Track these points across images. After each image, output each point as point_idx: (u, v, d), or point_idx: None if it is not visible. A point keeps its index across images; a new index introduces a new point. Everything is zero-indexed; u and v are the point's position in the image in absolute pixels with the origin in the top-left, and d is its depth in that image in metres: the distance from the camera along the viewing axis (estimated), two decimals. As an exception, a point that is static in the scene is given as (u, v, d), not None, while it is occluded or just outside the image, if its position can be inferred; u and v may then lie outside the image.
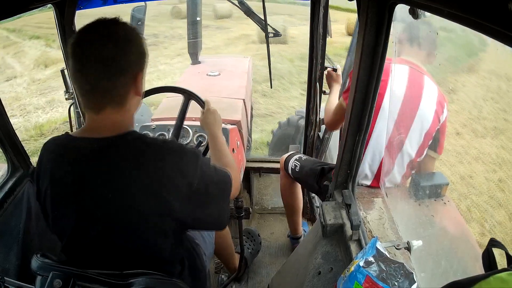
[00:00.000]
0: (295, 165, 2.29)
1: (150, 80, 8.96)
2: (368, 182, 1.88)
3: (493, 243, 0.83)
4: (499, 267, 0.81)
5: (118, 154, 1.05)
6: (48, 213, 1.14)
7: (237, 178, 1.43)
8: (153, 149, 1.07)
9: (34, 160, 1.51)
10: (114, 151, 1.05)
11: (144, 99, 2.00)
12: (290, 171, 2.33)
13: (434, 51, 1.77)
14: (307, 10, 2.25)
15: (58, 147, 1.11)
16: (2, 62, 11.23)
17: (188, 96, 2.00)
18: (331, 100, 2.24)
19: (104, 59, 1.00)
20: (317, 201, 2.91)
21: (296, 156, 2.35)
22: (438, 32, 1.62)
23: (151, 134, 2.36)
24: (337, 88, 2.31)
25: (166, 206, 1.06)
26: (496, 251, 0.84)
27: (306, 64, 2.42)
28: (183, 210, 1.09)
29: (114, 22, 1.05)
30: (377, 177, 1.84)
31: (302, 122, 3.70)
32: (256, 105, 7.42)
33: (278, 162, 2.59)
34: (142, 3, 2.77)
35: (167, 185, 1.05)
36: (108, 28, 1.03)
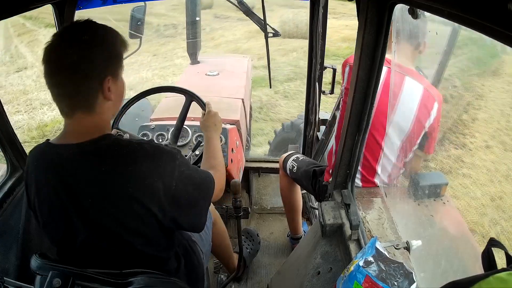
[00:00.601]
0: (292, 165, 2.30)
1: (164, 75, 8.77)
2: (359, 183, 1.87)
3: (493, 243, 0.83)
4: (499, 267, 0.81)
5: (93, 160, 1.05)
6: (38, 220, 1.16)
7: (221, 180, 1.42)
8: (127, 153, 1.07)
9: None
10: (89, 157, 1.06)
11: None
12: (288, 172, 2.34)
13: (423, 40, 1.70)
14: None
15: (40, 155, 1.12)
16: (15, 52, 10.99)
17: (190, 97, 2.00)
18: None
19: (68, 65, 1.00)
20: (314, 202, 2.92)
21: (294, 157, 2.35)
22: (460, 30, 1.57)
23: (150, 134, 2.36)
24: None
25: (145, 210, 1.07)
26: (496, 251, 0.84)
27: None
28: (163, 213, 1.10)
29: (82, 26, 1.05)
30: (365, 177, 1.83)
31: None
32: (277, 108, 7.15)
33: (277, 162, 2.59)
34: (142, 3, 2.77)
35: (143, 189, 1.05)
36: (73, 33, 1.04)
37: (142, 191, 1.05)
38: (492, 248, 0.84)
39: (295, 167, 2.27)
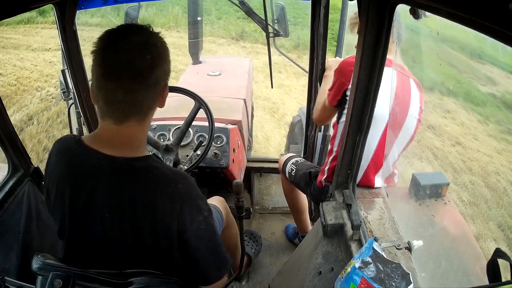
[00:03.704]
0: (291, 168, 2.30)
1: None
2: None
3: (498, 253, 0.82)
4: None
5: (129, 179, 1.04)
6: (52, 209, 1.15)
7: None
8: (159, 183, 1.04)
9: (34, 160, 1.51)
10: (126, 175, 1.04)
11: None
12: (287, 175, 2.34)
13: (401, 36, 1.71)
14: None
15: (68, 152, 1.09)
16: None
17: (199, 104, 2.00)
18: (322, 90, 2.11)
19: (141, 70, 0.97)
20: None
21: (293, 160, 2.35)
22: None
23: (151, 134, 2.36)
24: (332, 78, 2.08)
25: (156, 242, 1.06)
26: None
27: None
28: (169, 252, 1.09)
29: (149, 31, 1.02)
30: (364, 177, 1.83)
31: (298, 121, 3.70)
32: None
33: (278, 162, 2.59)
34: (136, 3, 2.79)
35: (159, 225, 1.04)
36: (146, 37, 1.00)
37: (159, 226, 1.04)
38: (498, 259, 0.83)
39: (294, 170, 2.27)
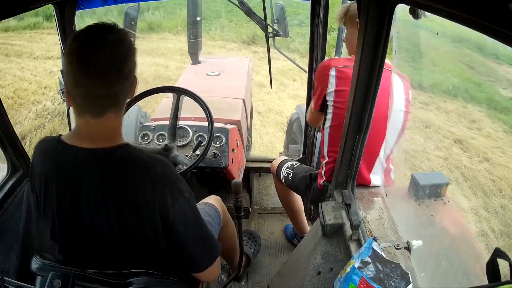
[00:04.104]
0: (287, 173, 2.28)
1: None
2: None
3: (498, 253, 0.82)
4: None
5: (109, 170, 1.05)
6: (43, 213, 1.16)
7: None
8: (138, 169, 1.07)
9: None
10: (107, 166, 1.06)
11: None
12: (282, 179, 2.32)
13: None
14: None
15: (51, 152, 1.11)
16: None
17: (179, 92, 2.01)
18: None
19: (108, 65, 1.00)
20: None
21: (288, 164, 2.33)
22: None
23: (151, 134, 2.36)
24: None
25: (142, 230, 1.08)
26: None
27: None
28: (155, 238, 1.10)
29: (109, 27, 1.05)
30: (359, 175, 1.83)
31: (295, 118, 3.70)
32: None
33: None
34: (136, 3, 2.79)
35: (143, 212, 1.06)
36: (104, 33, 1.02)
37: (143, 212, 1.06)
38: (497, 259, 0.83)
39: (291, 174, 2.26)
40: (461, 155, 5.05)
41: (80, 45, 1.00)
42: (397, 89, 1.76)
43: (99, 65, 0.99)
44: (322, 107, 1.86)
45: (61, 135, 1.12)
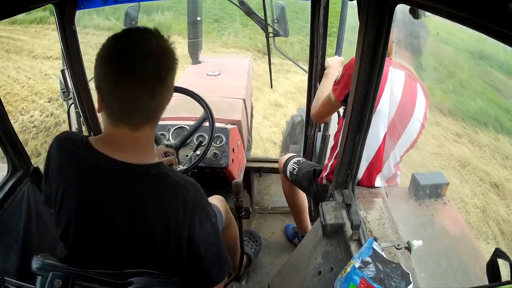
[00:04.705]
0: (293, 168, 2.29)
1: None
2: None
3: (498, 253, 0.82)
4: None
5: (142, 185, 1.04)
6: (56, 210, 1.14)
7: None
8: (172, 190, 1.05)
9: (34, 160, 1.50)
10: (140, 181, 1.04)
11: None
12: (288, 174, 2.33)
13: (421, 50, 1.73)
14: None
15: (77, 156, 1.07)
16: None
17: (206, 115, 2.03)
18: (323, 87, 2.11)
19: (161, 75, 0.97)
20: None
21: (295, 159, 2.34)
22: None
23: None
24: (333, 75, 2.10)
25: (167, 245, 1.07)
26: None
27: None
28: (178, 255, 1.10)
29: (162, 36, 1.01)
30: (365, 177, 1.83)
31: (299, 121, 3.70)
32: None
33: (278, 162, 2.59)
34: (136, 3, 2.79)
35: (171, 231, 1.05)
36: (160, 42, 0.99)
37: (171, 232, 1.05)
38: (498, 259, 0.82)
39: (296, 169, 2.26)
40: (499, 204, 4.67)
41: (122, 50, 0.96)
42: (420, 101, 1.75)
43: (143, 75, 0.95)
44: (347, 98, 1.84)
45: (87, 136, 1.09)
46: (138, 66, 0.94)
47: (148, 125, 1.03)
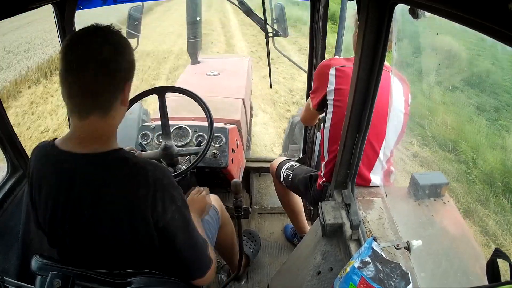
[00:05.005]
0: (287, 174, 2.28)
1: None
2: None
3: (498, 253, 0.82)
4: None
5: (103, 174, 1.05)
6: (38, 219, 1.17)
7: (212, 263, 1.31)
8: (131, 172, 1.06)
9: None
10: (101, 170, 1.06)
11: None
12: (282, 180, 2.33)
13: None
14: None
15: (45, 158, 1.11)
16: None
17: (163, 92, 2.03)
18: None
19: (99, 62, 0.99)
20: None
21: (288, 165, 2.33)
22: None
23: (150, 134, 2.36)
24: None
25: (135, 233, 1.08)
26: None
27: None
28: (150, 241, 1.10)
29: (111, 29, 1.05)
30: (358, 175, 1.83)
31: (298, 121, 3.70)
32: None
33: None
34: (140, 3, 2.78)
35: (136, 215, 1.05)
36: (105, 33, 1.03)
37: (135, 217, 1.06)
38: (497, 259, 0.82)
39: (291, 176, 2.26)
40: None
41: (69, 43, 1.01)
42: (396, 91, 1.76)
43: (81, 62, 0.98)
44: (321, 107, 1.87)
45: (55, 139, 1.12)
46: (79, 54, 1.00)
47: (95, 114, 1.03)
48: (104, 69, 1.00)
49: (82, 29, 1.03)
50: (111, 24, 1.06)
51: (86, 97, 1.01)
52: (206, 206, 1.70)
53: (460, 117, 5.51)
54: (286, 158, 2.49)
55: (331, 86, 1.77)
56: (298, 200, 2.53)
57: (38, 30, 12.09)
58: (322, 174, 1.92)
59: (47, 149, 1.11)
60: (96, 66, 0.99)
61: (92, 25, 1.04)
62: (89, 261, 1.12)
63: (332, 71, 1.76)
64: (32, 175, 1.14)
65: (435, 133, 5.24)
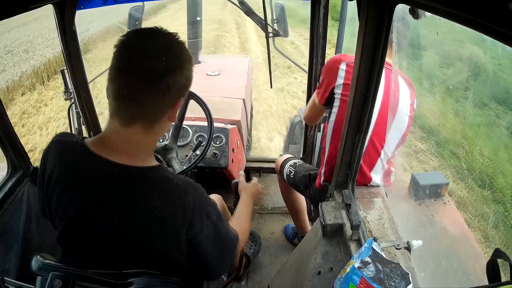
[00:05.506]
0: (289, 171, 2.30)
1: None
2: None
3: (498, 254, 0.82)
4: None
5: (140, 189, 1.03)
6: (51, 215, 1.14)
7: (241, 246, 1.37)
8: (171, 194, 1.04)
9: (34, 160, 1.50)
10: (138, 185, 1.03)
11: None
12: (285, 177, 2.34)
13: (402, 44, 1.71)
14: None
15: (73, 159, 1.06)
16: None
17: (188, 98, 2.01)
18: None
19: (154, 72, 0.95)
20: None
21: (291, 162, 2.34)
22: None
23: None
24: None
25: (164, 245, 1.07)
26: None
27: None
28: (177, 253, 1.10)
29: (174, 37, 1.01)
30: (359, 173, 1.84)
31: (298, 121, 3.70)
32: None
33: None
34: (140, 3, 2.78)
35: (169, 233, 1.05)
36: (167, 41, 0.99)
37: (169, 234, 1.05)
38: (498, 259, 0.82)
39: (293, 173, 2.27)
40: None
41: (128, 41, 0.98)
42: (403, 93, 1.76)
43: (134, 66, 0.95)
44: (328, 101, 1.87)
45: (83, 138, 1.08)
46: (135, 57, 0.95)
47: (139, 124, 1.01)
48: (158, 81, 0.97)
49: (144, 29, 1.00)
50: (176, 33, 1.02)
51: (133, 104, 0.98)
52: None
53: (492, 140, 5.03)
54: (291, 156, 2.50)
55: (340, 80, 1.78)
56: (301, 199, 2.53)
57: (44, 27, 11.95)
58: (322, 171, 1.92)
59: (74, 147, 1.06)
60: (151, 76, 0.95)
61: (155, 27, 1.00)
62: (91, 260, 1.11)
63: (343, 66, 1.77)
64: (47, 169, 1.10)
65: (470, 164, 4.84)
